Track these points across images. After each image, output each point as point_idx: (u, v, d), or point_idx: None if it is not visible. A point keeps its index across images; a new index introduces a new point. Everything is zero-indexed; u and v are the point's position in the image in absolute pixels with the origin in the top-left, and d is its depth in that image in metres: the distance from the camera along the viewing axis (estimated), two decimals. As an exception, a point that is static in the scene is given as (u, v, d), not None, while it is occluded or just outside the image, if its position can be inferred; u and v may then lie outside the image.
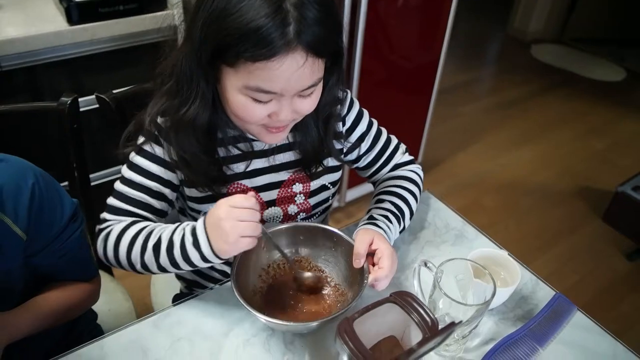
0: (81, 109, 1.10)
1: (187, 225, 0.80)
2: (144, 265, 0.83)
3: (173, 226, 0.81)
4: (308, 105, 0.80)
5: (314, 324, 0.77)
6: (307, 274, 0.89)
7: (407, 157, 1.09)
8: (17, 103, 1.07)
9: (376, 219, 0.92)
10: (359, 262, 0.83)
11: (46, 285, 0.90)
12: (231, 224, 0.73)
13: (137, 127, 0.90)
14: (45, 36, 1.42)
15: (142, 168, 0.87)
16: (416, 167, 1.08)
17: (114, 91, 1.08)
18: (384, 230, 0.90)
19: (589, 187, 2.70)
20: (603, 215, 2.48)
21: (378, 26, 1.93)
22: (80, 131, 1.10)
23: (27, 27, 1.43)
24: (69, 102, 1.05)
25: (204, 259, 0.77)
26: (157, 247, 0.80)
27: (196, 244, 0.77)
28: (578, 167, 2.87)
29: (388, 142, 1.07)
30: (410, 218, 0.99)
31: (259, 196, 0.97)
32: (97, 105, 1.09)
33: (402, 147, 1.09)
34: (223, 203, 0.75)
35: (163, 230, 0.82)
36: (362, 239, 0.85)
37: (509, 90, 3.61)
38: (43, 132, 1.14)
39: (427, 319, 0.65)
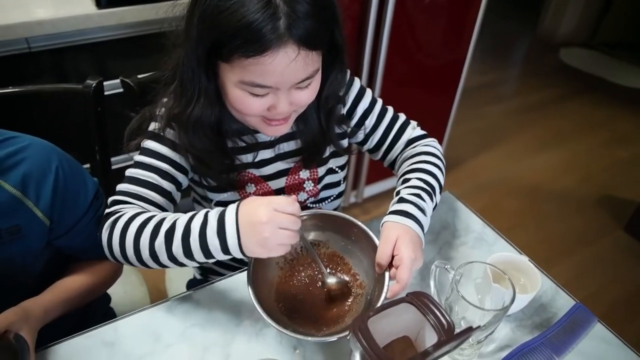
0: (105, 93, 1.10)
1: (210, 212, 0.74)
2: (152, 253, 0.76)
3: (190, 214, 0.76)
4: (306, 96, 0.81)
5: (332, 339, 0.75)
6: (334, 280, 0.86)
7: (420, 132, 1.04)
8: (44, 84, 1.08)
9: (407, 200, 0.86)
10: (380, 269, 0.80)
11: (70, 265, 0.91)
12: (272, 230, 0.69)
13: (141, 122, 0.90)
14: (74, 19, 1.43)
15: (153, 150, 0.87)
16: (433, 141, 1.03)
17: (139, 76, 1.08)
18: (415, 217, 0.83)
19: (612, 196, 2.64)
20: (625, 225, 2.43)
21: (405, 23, 1.91)
22: (104, 114, 1.11)
23: (56, 9, 1.44)
24: (94, 85, 1.06)
25: (225, 250, 0.73)
26: (170, 233, 0.74)
27: (221, 233, 0.72)
28: (601, 175, 2.81)
29: (395, 118, 1.03)
30: (440, 193, 0.94)
31: (268, 185, 0.98)
32: (121, 90, 1.09)
33: (413, 122, 1.05)
34: (265, 203, 0.70)
35: (178, 217, 0.76)
36: (386, 240, 0.80)
37: (534, 93, 3.55)
38: (67, 114, 1.14)
39: (444, 321, 0.64)
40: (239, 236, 0.71)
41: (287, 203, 0.71)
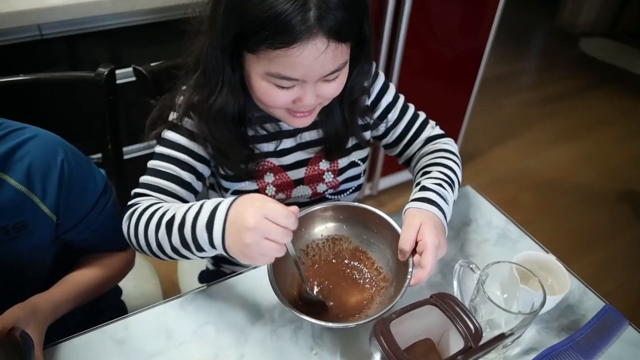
0: (118, 81, 1.08)
1: (206, 202, 0.71)
2: (158, 244, 0.75)
3: (190, 204, 0.74)
4: (333, 89, 0.79)
5: (351, 325, 0.72)
6: (315, 298, 0.82)
7: (439, 131, 1.04)
8: (56, 72, 1.06)
9: (429, 189, 0.84)
10: (403, 256, 0.78)
11: (81, 257, 0.89)
12: (254, 239, 0.63)
13: (161, 112, 0.88)
14: (87, 5, 1.41)
15: (172, 141, 0.86)
16: (450, 140, 1.02)
17: (152, 64, 1.06)
18: (438, 204, 0.82)
19: (633, 191, 2.57)
20: (647, 221, 2.37)
21: (423, 13, 1.85)
22: (116, 103, 1.09)
23: (68, -4, 1.41)
24: (106, 73, 1.03)
25: (213, 245, 0.69)
26: (170, 224, 0.72)
27: (209, 227, 0.68)
28: (622, 168, 2.73)
29: (416, 115, 1.03)
30: (458, 190, 0.92)
31: (287, 175, 0.95)
32: (134, 78, 1.06)
33: (432, 122, 1.04)
34: (257, 206, 0.65)
35: (179, 208, 0.73)
36: (409, 226, 0.77)
37: (553, 84, 3.46)
38: (79, 102, 1.12)
39: (471, 326, 0.60)
40: (224, 235, 0.67)
41: (282, 213, 0.64)
